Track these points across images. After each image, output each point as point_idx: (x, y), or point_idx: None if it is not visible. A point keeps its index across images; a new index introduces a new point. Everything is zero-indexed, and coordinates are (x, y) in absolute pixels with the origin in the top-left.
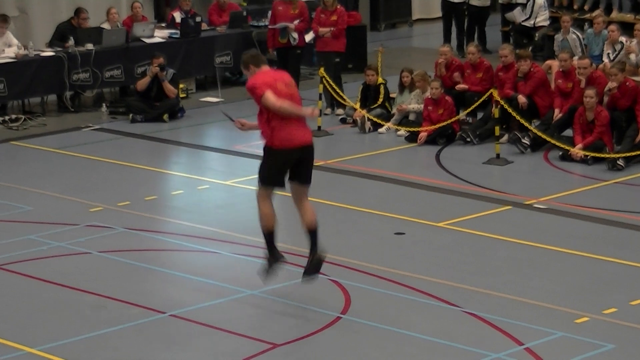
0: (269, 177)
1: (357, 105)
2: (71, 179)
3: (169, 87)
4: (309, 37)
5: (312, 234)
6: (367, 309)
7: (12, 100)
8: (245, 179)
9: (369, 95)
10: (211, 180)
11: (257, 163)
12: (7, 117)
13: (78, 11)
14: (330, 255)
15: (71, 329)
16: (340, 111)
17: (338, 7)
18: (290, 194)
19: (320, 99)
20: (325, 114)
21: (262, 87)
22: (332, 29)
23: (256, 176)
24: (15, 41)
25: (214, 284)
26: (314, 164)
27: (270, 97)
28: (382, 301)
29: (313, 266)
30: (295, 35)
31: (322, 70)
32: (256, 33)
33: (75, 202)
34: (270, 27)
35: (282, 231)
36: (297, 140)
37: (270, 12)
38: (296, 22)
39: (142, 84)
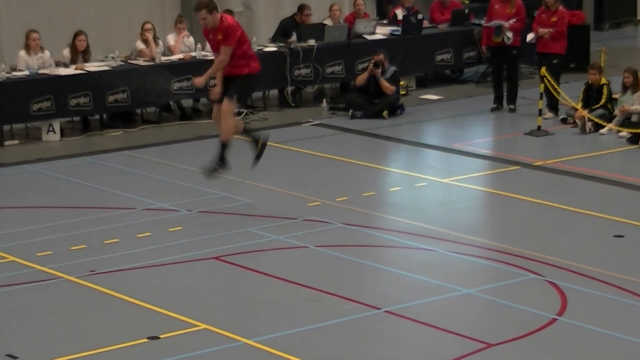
0: (247, 99)
1: (579, 106)
2: (290, 174)
3: (384, 84)
4: (530, 36)
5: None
6: (584, 311)
7: None
8: (463, 177)
9: (591, 96)
10: (429, 177)
11: (476, 161)
12: None
13: (301, 7)
14: (547, 256)
15: (286, 321)
16: (549, 114)
17: (559, 7)
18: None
19: (540, 98)
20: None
21: (241, 28)
22: (551, 30)
23: (473, 174)
24: None
25: (429, 281)
26: None
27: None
28: (599, 304)
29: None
30: (510, 34)
31: (543, 69)
32: (477, 31)
33: (294, 197)
34: (484, 25)
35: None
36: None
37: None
38: (512, 21)
39: (360, 79)
